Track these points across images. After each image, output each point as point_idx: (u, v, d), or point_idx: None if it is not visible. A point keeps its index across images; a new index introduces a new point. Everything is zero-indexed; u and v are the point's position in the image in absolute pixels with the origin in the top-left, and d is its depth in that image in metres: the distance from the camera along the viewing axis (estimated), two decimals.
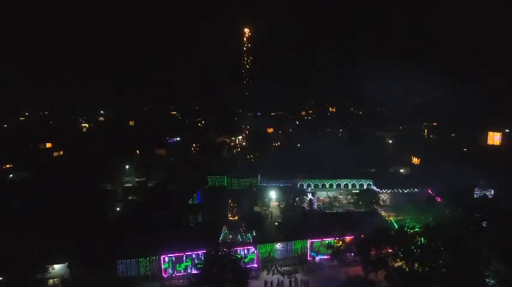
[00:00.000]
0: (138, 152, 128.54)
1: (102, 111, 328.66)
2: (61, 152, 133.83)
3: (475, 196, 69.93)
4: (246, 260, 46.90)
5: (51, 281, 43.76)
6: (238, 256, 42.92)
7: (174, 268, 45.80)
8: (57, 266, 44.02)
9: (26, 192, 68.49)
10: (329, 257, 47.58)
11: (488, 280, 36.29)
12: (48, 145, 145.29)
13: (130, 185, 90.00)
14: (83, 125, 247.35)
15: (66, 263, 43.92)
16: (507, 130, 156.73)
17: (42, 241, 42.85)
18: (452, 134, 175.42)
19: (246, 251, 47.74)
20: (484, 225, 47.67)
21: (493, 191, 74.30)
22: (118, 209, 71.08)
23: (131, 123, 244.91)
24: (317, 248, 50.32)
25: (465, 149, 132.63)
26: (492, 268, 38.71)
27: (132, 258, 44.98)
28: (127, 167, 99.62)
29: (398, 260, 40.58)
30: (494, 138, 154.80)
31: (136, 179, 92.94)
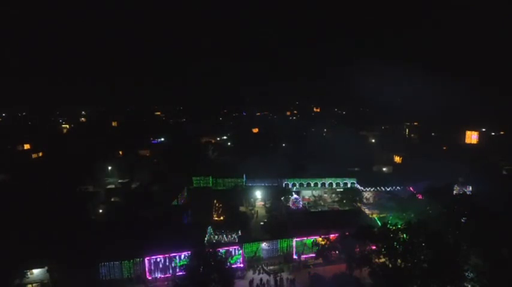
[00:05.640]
0: (121, 153, 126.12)
1: (83, 112, 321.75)
2: (40, 154, 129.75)
3: (454, 192, 72.03)
4: (233, 260, 46.80)
5: (29, 286, 42.32)
6: (224, 255, 42.61)
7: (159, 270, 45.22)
8: (36, 271, 42.64)
9: (2, 194, 66.16)
10: (314, 255, 48.05)
11: (467, 274, 37.37)
12: (27, 146, 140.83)
13: (113, 186, 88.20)
14: (63, 125, 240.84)
15: (46, 268, 42.57)
16: (483, 129, 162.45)
17: (21, 245, 41.46)
18: (432, 133, 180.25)
19: (232, 251, 47.52)
20: (463, 221, 49.12)
21: (471, 188, 76.78)
22: (101, 211, 69.53)
23: (114, 123, 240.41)
24: (301, 247, 50.68)
25: (444, 148, 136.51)
26: (471, 262, 39.95)
27: (115, 260, 44.05)
28: (110, 168, 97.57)
29: (381, 256, 41.27)
30: (472, 137, 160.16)
31: (120, 181, 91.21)
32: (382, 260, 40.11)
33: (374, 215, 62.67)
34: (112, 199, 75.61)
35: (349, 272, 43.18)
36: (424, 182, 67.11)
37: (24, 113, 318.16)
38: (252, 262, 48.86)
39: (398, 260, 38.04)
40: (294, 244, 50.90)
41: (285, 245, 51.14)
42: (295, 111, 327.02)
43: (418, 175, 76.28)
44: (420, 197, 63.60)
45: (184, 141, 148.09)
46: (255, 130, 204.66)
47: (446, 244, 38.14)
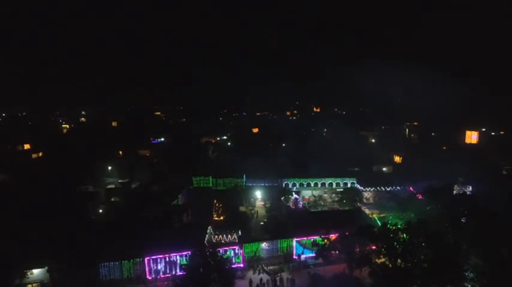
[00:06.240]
0: (121, 153, 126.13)
1: (83, 112, 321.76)
2: (40, 154, 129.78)
3: (454, 192, 72.02)
4: (237, 260, 46.91)
5: (29, 286, 42.32)
6: (225, 256, 42.72)
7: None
8: (36, 271, 42.59)
9: (2, 194, 66.20)
10: (314, 255, 48.07)
11: (467, 274, 37.38)
12: (27, 146, 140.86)
13: (113, 186, 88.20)
14: (63, 125, 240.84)
15: (46, 268, 42.58)
16: (483, 129, 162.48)
17: (21, 245, 41.48)
18: (432, 133, 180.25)
19: (232, 251, 47.56)
20: (463, 221, 49.14)
21: (471, 188, 76.77)
22: (100, 211, 69.53)
23: (114, 123, 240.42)
24: (304, 244, 50.74)
25: (444, 148, 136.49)
26: (471, 262, 39.95)
27: (115, 260, 44.06)
28: (110, 168, 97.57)
29: (381, 256, 41.31)
30: (472, 137, 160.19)
31: (120, 181, 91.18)
32: (382, 260, 40.13)
33: (374, 215, 62.66)
34: (112, 199, 75.58)
35: (349, 272, 43.24)
36: (424, 182, 67.08)
37: (24, 113, 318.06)
38: (252, 262, 48.87)
39: (398, 260, 38.04)
40: (294, 244, 50.91)
41: (285, 245, 51.15)
42: (295, 111, 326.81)
43: (418, 175, 76.27)
44: (420, 197, 63.62)
45: (184, 141, 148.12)
46: (255, 130, 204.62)
47: (446, 244, 38.12)
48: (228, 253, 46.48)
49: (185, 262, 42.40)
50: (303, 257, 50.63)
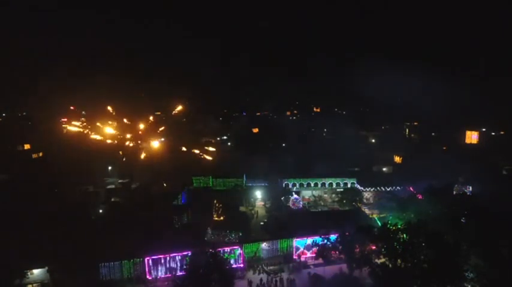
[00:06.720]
0: (121, 153, 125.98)
1: (83, 112, 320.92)
2: (40, 154, 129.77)
3: (454, 192, 72.04)
4: (232, 257, 46.95)
5: (30, 286, 42.34)
6: (226, 256, 42.77)
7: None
8: (36, 271, 42.64)
9: (2, 194, 66.23)
10: (314, 255, 48.09)
11: (467, 274, 37.41)
12: (27, 146, 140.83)
13: (113, 186, 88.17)
14: (63, 126, 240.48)
15: (46, 268, 42.61)
16: (483, 129, 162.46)
17: (21, 245, 41.50)
18: (433, 133, 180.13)
19: (233, 252, 47.56)
20: (463, 221, 49.15)
21: (471, 188, 76.80)
22: (100, 211, 69.56)
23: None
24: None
25: (444, 148, 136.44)
26: (471, 262, 39.97)
27: (115, 260, 44.08)
28: (110, 168, 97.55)
29: (381, 256, 41.33)
30: (472, 137, 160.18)
31: (120, 181, 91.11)
32: (382, 260, 40.17)
33: (374, 215, 62.71)
34: (112, 199, 75.65)
35: (349, 272, 43.26)
36: (424, 182, 67.06)
37: (24, 113, 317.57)
38: (252, 262, 48.89)
39: (398, 260, 38.08)
40: (294, 244, 50.93)
41: (285, 245, 51.17)
42: (295, 111, 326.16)
43: (418, 175, 76.18)
44: (420, 197, 63.60)
45: (184, 141, 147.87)
46: (255, 130, 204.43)
47: (446, 244, 38.17)
48: (231, 254, 46.51)
49: (186, 262, 42.44)
50: (303, 257, 50.69)
